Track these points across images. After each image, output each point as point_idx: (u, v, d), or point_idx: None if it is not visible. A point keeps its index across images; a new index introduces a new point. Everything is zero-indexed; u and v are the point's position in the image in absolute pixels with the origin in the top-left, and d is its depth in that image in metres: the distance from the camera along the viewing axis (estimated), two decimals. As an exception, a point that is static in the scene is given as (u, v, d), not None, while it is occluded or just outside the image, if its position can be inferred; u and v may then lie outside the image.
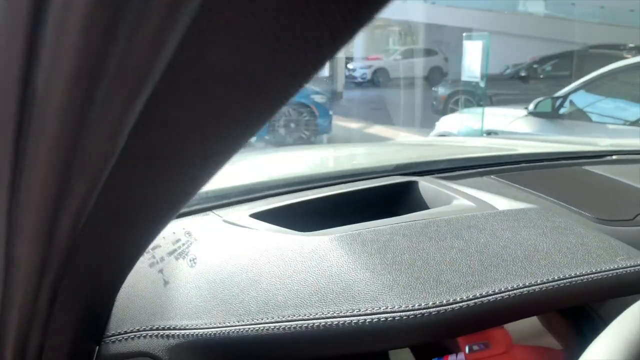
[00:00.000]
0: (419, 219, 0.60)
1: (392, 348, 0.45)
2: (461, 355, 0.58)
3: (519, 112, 3.57)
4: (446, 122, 4.36)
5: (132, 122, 0.21)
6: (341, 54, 13.51)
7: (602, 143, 1.87)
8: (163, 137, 0.24)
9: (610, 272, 0.49)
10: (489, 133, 3.63)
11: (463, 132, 3.96)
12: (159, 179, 0.28)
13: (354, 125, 9.04)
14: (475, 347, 0.60)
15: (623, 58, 3.96)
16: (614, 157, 1.08)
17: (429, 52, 15.62)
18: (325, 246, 0.55)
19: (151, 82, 0.19)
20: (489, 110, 4.26)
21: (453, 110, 5.81)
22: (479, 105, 4.67)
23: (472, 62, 4.17)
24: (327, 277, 0.50)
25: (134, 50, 0.17)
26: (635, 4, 11.26)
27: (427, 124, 4.87)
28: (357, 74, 14.95)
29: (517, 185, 0.89)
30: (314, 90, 7.50)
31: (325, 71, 13.58)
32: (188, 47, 0.18)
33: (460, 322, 0.44)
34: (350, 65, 14.95)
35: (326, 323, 0.45)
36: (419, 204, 0.83)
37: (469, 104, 6.07)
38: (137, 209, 0.31)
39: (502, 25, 12.43)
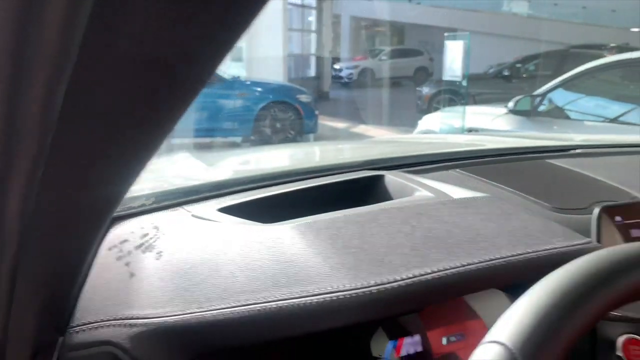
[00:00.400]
0: (375, 209, 0.63)
1: (339, 325, 0.47)
2: (417, 337, 0.60)
3: (499, 110, 3.62)
4: (429, 121, 4.40)
5: (59, 105, 0.23)
6: (327, 55, 13.55)
7: (577, 139, 1.91)
8: (91, 123, 0.26)
9: (546, 251, 0.51)
10: (470, 130, 3.68)
11: (445, 130, 4.00)
12: (95, 167, 0.29)
13: (340, 124, 9.07)
14: (452, 339, 0.62)
15: (604, 57, 4.03)
16: (578, 150, 1.11)
17: (414, 53, 15.70)
18: (282, 235, 0.57)
19: (68, 65, 0.21)
20: (471, 109, 4.31)
21: (437, 109, 5.86)
22: (462, 104, 4.72)
23: (454, 62, 4.23)
24: (281, 263, 0.52)
25: (47, 30, 0.18)
26: (616, 4, 11.43)
27: (412, 123, 4.91)
28: (344, 74, 14.98)
29: (480, 178, 0.92)
30: (299, 90, 7.50)
31: (311, 71, 13.60)
32: (96, 33, 0.20)
33: (399, 298, 0.47)
34: (336, 66, 14.98)
35: (278, 305, 0.47)
36: (384, 196, 0.85)
37: (452, 103, 6.12)
38: (78, 201, 0.33)
39: (486, 25, 12.54)
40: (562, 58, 7.43)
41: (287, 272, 0.51)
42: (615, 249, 0.37)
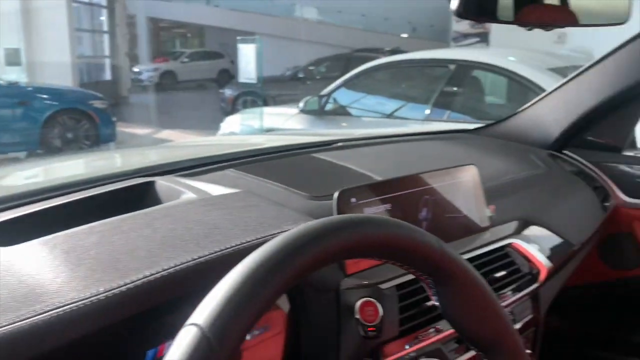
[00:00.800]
0: (122, 217, 0.63)
1: (76, 337, 0.47)
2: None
3: (293, 110, 3.86)
4: (230, 123, 4.48)
5: None
6: (124, 57, 12.77)
7: (357, 133, 2.13)
8: None
9: (273, 235, 0.58)
10: (268, 130, 3.85)
11: (246, 131, 4.11)
12: None
13: (142, 131, 8.63)
14: (256, 332, 0.65)
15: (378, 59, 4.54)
16: (339, 144, 1.24)
17: (215, 55, 15.74)
18: (15, 257, 0.54)
19: None
20: (269, 110, 4.50)
21: (240, 111, 5.98)
22: (259, 105, 4.89)
23: (248, 64, 4.36)
24: (10, 286, 0.50)
25: None
26: (389, 13, 13.03)
27: (217, 125, 4.94)
28: (144, 77, 14.30)
29: (251, 175, 0.97)
30: (92, 95, 6.93)
31: (107, 74, 12.66)
32: None
33: (130, 301, 0.48)
34: (135, 68, 14.24)
35: (2, 332, 0.45)
36: (154, 203, 0.85)
37: (255, 104, 6.30)
38: None
39: (282, 29, 13.15)
40: (348, 60, 8.21)
41: (16, 295, 0.49)
42: (302, 227, 0.43)
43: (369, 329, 0.69)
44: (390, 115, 3.74)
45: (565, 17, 0.80)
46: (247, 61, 4.35)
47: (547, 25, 0.73)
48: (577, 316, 1.29)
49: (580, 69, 1.21)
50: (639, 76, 1.11)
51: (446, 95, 3.26)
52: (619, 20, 0.74)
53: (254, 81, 4.41)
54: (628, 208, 1.13)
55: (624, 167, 1.15)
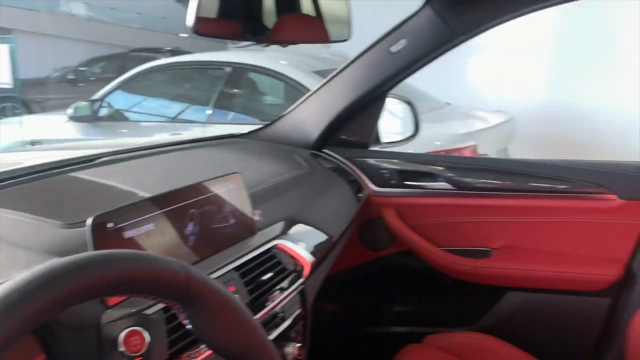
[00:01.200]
0: None
1: None
2: None
3: (63, 117, 3.47)
4: (-16, 136, 3.83)
5: None
6: None
7: (141, 141, 2.00)
8: None
9: None
10: (34, 143, 3.40)
11: (4, 145, 3.57)
12: None
13: None
14: None
15: (157, 60, 4.34)
16: (104, 159, 1.14)
17: (-39, 55, 13.33)
18: None
19: None
20: (34, 118, 3.99)
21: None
22: (18, 113, 4.30)
23: (0, 66, 3.78)
24: None
25: None
26: (167, 12, 12.60)
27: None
28: None
29: None
30: None
31: None
32: None
33: None
34: None
35: None
36: None
37: (15, 111, 5.52)
38: None
39: (46, 26, 11.71)
40: (124, 61, 7.72)
41: None
42: (21, 278, 0.39)
43: (135, 359, 0.66)
44: (172, 119, 3.63)
45: (314, 34, 0.87)
46: (-1, 63, 3.77)
47: (285, 42, 0.78)
48: (344, 299, 1.44)
49: (333, 74, 1.34)
50: (376, 80, 1.27)
51: (226, 97, 3.29)
52: (345, 37, 0.84)
53: (10, 85, 3.84)
54: (377, 196, 1.30)
55: (372, 161, 1.32)
